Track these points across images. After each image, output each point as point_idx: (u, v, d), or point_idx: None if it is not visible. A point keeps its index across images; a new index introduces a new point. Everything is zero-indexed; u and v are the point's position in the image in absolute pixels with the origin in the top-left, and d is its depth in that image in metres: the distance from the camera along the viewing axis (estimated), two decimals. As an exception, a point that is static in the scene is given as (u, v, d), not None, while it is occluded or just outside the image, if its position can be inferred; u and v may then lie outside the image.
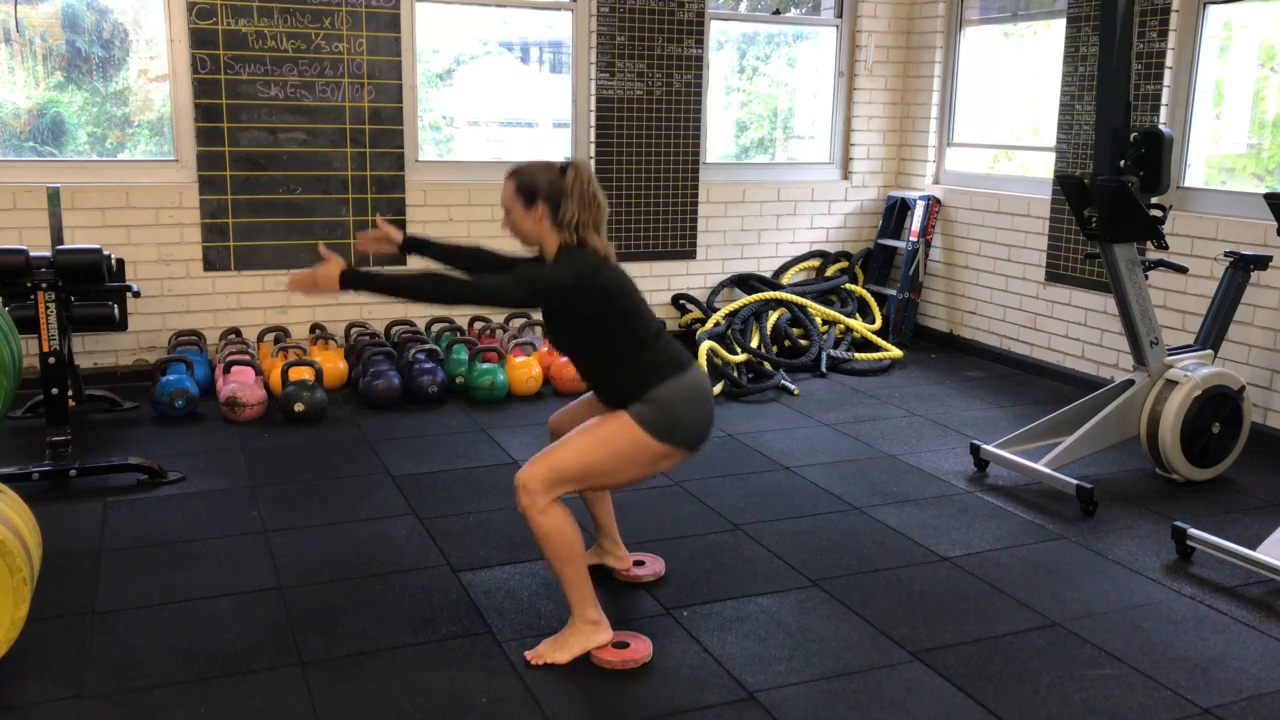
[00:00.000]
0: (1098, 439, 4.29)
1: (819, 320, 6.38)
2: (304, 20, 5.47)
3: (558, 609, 3.14)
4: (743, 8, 6.99)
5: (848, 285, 6.78)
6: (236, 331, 5.60)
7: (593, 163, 6.12)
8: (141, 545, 3.57)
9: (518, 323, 5.98)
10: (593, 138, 6.16)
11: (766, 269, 6.80)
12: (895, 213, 6.90)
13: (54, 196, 4.48)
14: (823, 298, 6.66)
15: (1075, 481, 4.03)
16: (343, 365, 5.46)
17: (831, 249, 6.97)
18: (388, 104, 5.69)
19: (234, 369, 5.06)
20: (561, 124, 6.28)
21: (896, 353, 6.26)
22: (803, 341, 6.21)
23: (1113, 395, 4.38)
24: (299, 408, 4.90)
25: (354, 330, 5.75)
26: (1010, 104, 6.58)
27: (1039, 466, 4.18)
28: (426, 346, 5.36)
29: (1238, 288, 4.46)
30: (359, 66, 5.61)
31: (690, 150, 6.40)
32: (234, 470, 4.30)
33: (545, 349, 5.64)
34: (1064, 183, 4.30)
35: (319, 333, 5.61)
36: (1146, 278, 4.41)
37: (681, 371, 2.90)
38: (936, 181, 6.81)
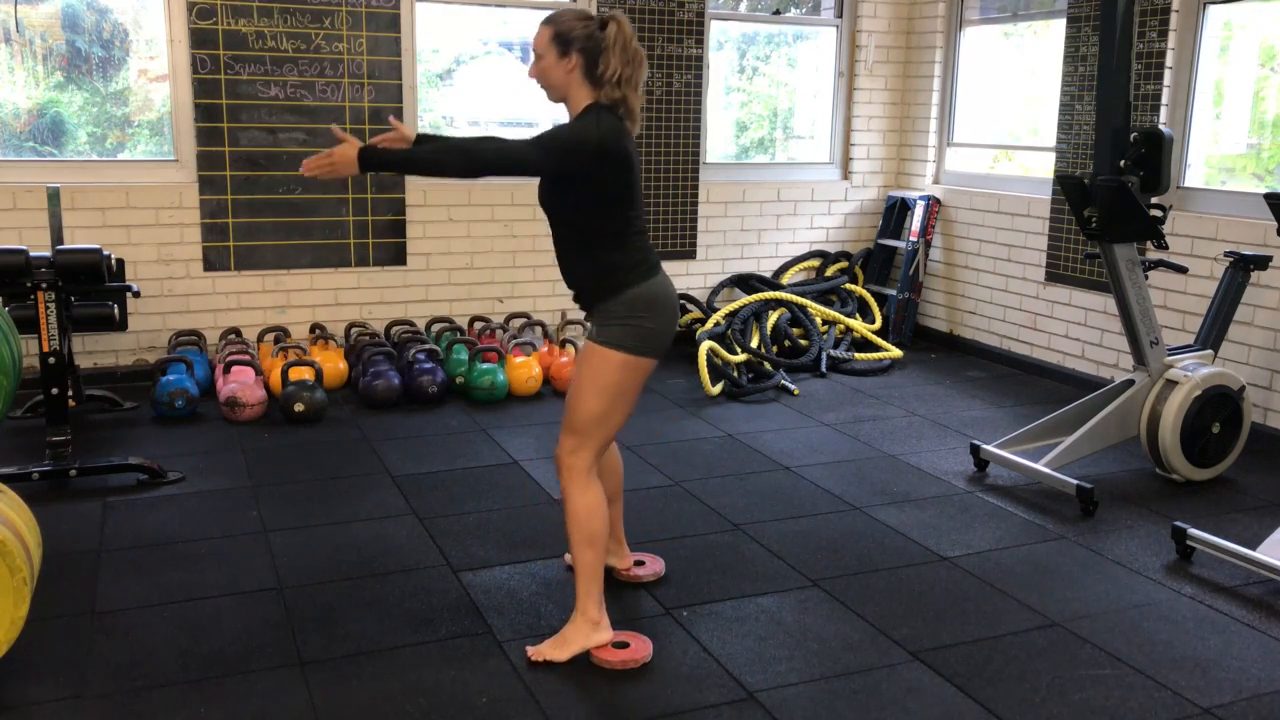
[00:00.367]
0: (1098, 439, 4.29)
1: (819, 320, 6.38)
2: (304, 20, 5.47)
3: (558, 609, 3.15)
4: (743, 8, 6.99)
5: (848, 285, 6.78)
6: (236, 331, 5.60)
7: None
8: (141, 545, 3.57)
9: (518, 323, 5.98)
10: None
11: (766, 269, 6.80)
12: (895, 213, 6.90)
13: (54, 196, 4.48)
14: (823, 298, 6.66)
15: (1075, 481, 4.03)
16: (343, 365, 5.46)
17: (831, 249, 6.97)
18: (388, 104, 5.69)
19: (234, 369, 5.06)
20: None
21: (896, 353, 6.26)
22: (803, 341, 6.21)
23: (1113, 395, 4.38)
24: (299, 408, 4.90)
25: (354, 330, 5.75)
26: (1010, 104, 6.58)
27: (1039, 466, 4.18)
28: (426, 346, 5.36)
29: (1238, 288, 4.46)
30: (359, 66, 5.61)
31: (690, 150, 6.40)
32: (234, 470, 4.30)
33: (545, 349, 5.64)
34: (1064, 183, 4.30)
35: (319, 333, 5.61)
36: (1146, 278, 4.41)
37: (652, 275, 2.88)
38: (936, 181, 6.81)
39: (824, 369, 6.02)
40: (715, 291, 6.62)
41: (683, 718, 2.65)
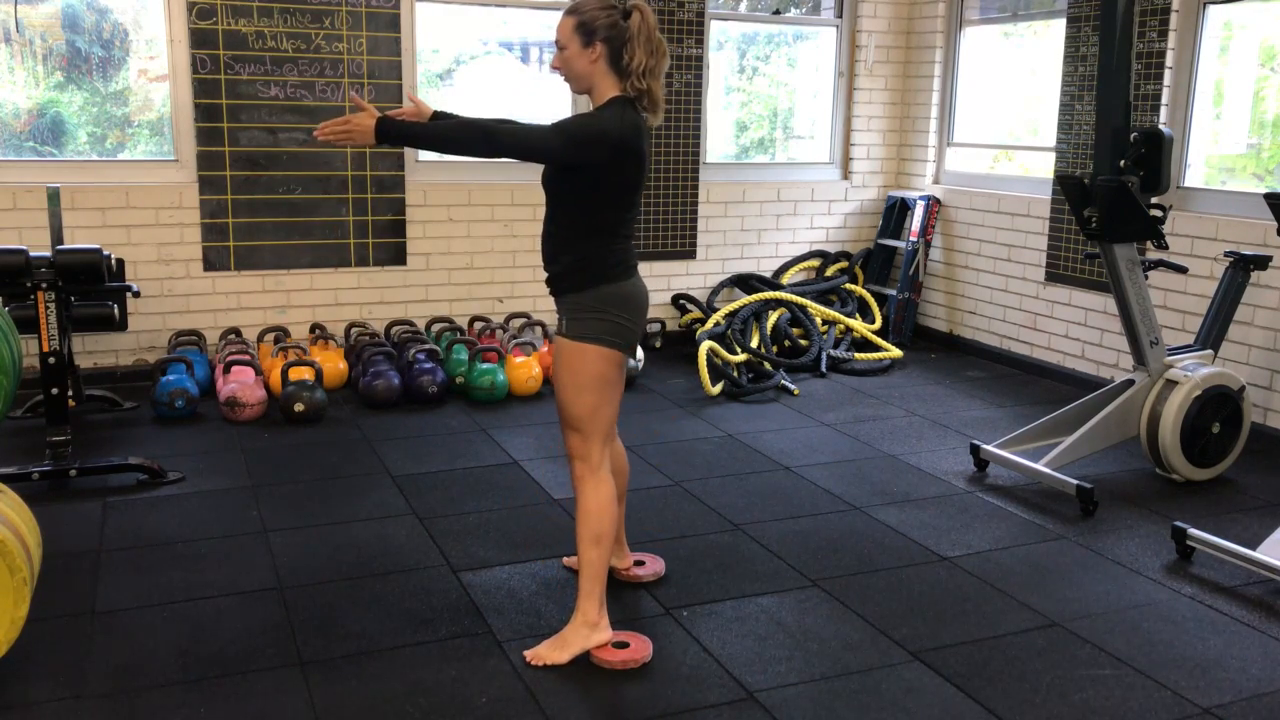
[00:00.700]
0: (1098, 439, 4.29)
1: (819, 320, 6.38)
2: (304, 20, 5.47)
3: (558, 609, 3.15)
4: (743, 8, 6.99)
5: (848, 285, 6.78)
6: (236, 331, 5.60)
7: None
8: (141, 545, 3.57)
9: (518, 323, 5.98)
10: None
11: (766, 269, 6.80)
12: (895, 213, 6.90)
13: (54, 196, 4.47)
14: (823, 298, 6.66)
15: (1075, 481, 4.03)
16: (343, 365, 5.46)
17: (831, 249, 6.97)
18: (388, 104, 5.68)
19: (234, 369, 5.06)
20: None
21: (896, 353, 6.26)
22: (803, 341, 6.21)
23: (1113, 395, 4.38)
24: (299, 408, 4.90)
25: (354, 330, 5.75)
26: (1010, 104, 6.58)
27: (1039, 466, 4.18)
28: (426, 346, 5.36)
29: (1238, 288, 4.46)
30: (359, 66, 5.61)
31: (690, 150, 6.39)
32: (234, 470, 4.30)
33: (545, 349, 5.64)
34: (1064, 183, 4.30)
35: (319, 333, 5.61)
36: (1146, 278, 4.41)
37: (629, 276, 2.89)
38: (936, 181, 6.81)
39: (824, 369, 6.02)
40: (715, 291, 6.62)
41: (683, 718, 2.65)
